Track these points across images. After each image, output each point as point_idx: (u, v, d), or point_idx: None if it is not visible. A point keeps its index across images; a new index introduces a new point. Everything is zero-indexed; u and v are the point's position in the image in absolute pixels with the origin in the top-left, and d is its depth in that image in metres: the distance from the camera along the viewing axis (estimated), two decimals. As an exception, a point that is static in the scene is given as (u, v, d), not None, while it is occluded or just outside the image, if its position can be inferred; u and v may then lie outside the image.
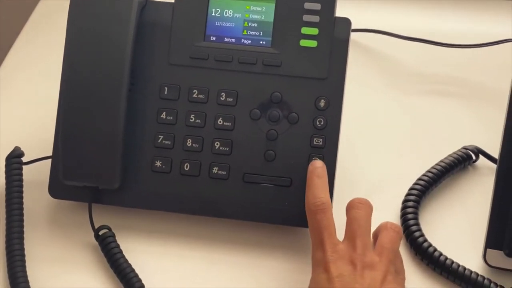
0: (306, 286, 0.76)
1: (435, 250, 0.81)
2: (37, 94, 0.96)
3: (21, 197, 0.83)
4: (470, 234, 0.84)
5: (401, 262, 0.78)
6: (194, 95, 0.84)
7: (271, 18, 0.84)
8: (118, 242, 0.81)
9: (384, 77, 0.99)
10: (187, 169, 0.83)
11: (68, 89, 0.82)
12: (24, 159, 0.85)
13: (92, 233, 0.82)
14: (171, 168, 0.83)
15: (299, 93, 0.83)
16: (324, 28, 0.83)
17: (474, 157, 0.90)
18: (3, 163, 0.85)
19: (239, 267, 0.82)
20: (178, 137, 0.83)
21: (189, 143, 0.83)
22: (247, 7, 0.84)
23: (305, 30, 0.83)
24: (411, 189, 0.86)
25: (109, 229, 0.82)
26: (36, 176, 0.86)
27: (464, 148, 0.90)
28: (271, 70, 0.83)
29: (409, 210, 0.84)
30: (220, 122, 0.83)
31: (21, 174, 0.84)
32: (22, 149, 0.85)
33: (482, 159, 0.90)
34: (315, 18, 0.83)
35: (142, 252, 0.82)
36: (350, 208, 0.77)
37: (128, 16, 0.82)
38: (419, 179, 0.87)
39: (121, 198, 0.83)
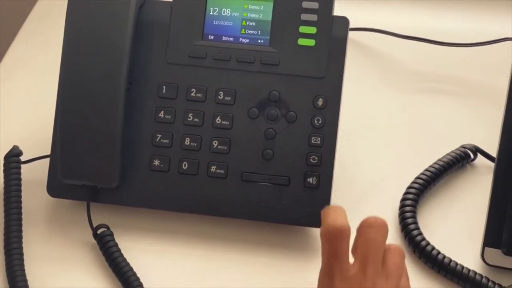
0: (305, 284, 0.76)
1: (433, 248, 0.81)
2: (36, 93, 0.96)
3: (20, 196, 0.83)
4: (468, 232, 0.84)
5: (407, 279, 0.71)
6: (192, 94, 0.84)
7: (269, 17, 0.84)
8: (117, 240, 0.81)
9: (382, 75, 1.00)
10: (185, 168, 0.83)
11: (66, 88, 0.82)
12: (23, 158, 0.85)
13: (91, 232, 0.82)
14: (169, 167, 0.83)
15: (297, 92, 0.83)
16: (322, 27, 0.83)
17: (472, 155, 0.90)
18: (2, 162, 0.85)
19: (237, 265, 0.82)
20: (176, 136, 0.83)
21: (187, 142, 0.83)
22: (245, 6, 0.84)
23: (303, 29, 0.83)
24: (409, 187, 0.86)
25: (108, 228, 0.82)
26: (35, 175, 0.86)
27: (462, 146, 0.90)
28: (269, 69, 0.83)
29: (407, 208, 0.84)
30: (218, 121, 0.83)
31: (19, 173, 0.84)
32: (20, 148, 0.85)
33: (480, 157, 0.90)
34: (313, 17, 0.83)
35: (140, 251, 0.82)
36: (368, 227, 0.68)
37: (126, 15, 0.82)
38: (417, 177, 0.87)
39: (119, 197, 0.83)
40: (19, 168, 0.84)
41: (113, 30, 0.81)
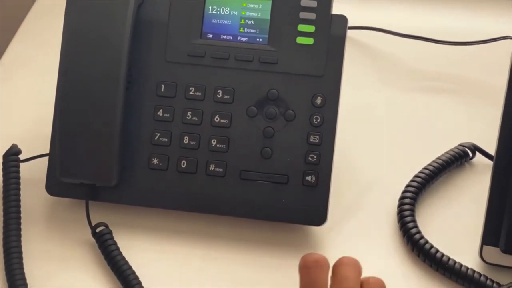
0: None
1: (432, 247, 0.81)
2: (34, 92, 0.96)
3: (19, 195, 0.83)
4: (467, 230, 0.84)
5: None
6: (191, 93, 0.84)
7: (267, 16, 0.84)
8: (115, 239, 0.81)
9: (381, 74, 1.00)
10: (184, 166, 0.83)
11: (65, 87, 0.82)
12: (21, 157, 0.85)
13: (90, 230, 0.82)
14: (168, 165, 0.83)
15: (295, 90, 0.83)
16: (320, 26, 0.83)
17: (470, 154, 0.90)
18: (0, 160, 0.85)
19: (236, 264, 0.82)
20: (175, 134, 0.83)
21: (186, 141, 0.83)
22: (244, 5, 0.84)
23: (301, 28, 0.84)
24: (407, 186, 0.86)
25: (106, 226, 0.82)
26: (34, 174, 0.86)
27: (461, 145, 0.90)
28: (268, 68, 0.83)
29: (406, 207, 0.84)
30: (217, 119, 0.83)
31: (18, 172, 0.84)
32: (19, 146, 0.85)
33: (478, 156, 0.90)
34: (312, 16, 0.83)
35: (139, 249, 0.82)
36: (340, 265, 0.71)
37: (124, 14, 0.82)
38: (416, 176, 0.87)
39: (118, 195, 0.83)
40: (18, 166, 0.84)
41: (111, 29, 0.81)
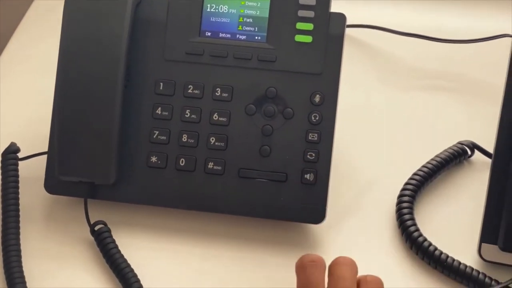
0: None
1: (430, 244, 0.81)
2: (33, 90, 0.96)
3: (17, 193, 0.83)
4: (465, 228, 0.84)
5: None
6: (190, 91, 0.84)
7: (266, 14, 0.84)
8: (114, 237, 0.81)
9: (380, 72, 1.00)
10: (183, 164, 0.83)
11: (63, 85, 0.82)
12: (20, 155, 0.85)
13: (88, 229, 0.82)
14: (167, 163, 0.83)
15: (294, 88, 0.83)
16: (319, 24, 0.83)
17: (469, 152, 0.90)
18: (-1, 159, 0.85)
19: (234, 262, 0.82)
20: (173, 132, 0.83)
21: (184, 139, 0.83)
22: (242, 3, 0.84)
23: (300, 26, 0.84)
24: (406, 184, 0.86)
25: (105, 224, 0.82)
26: (32, 172, 0.86)
27: (460, 143, 0.90)
28: (266, 66, 0.83)
29: (405, 205, 0.84)
30: (215, 117, 0.83)
31: (17, 170, 0.84)
32: (18, 145, 0.85)
33: (477, 154, 0.90)
34: (310, 14, 0.83)
35: (137, 247, 0.82)
36: (336, 265, 0.72)
37: (123, 13, 0.82)
38: (415, 174, 0.87)
39: (116, 194, 0.83)
40: (17, 165, 0.84)
41: (110, 27, 0.81)
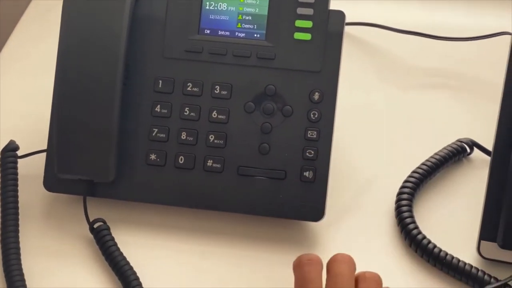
0: (300, 278, 0.76)
1: (429, 242, 0.81)
2: (32, 88, 0.96)
3: (16, 191, 0.83)
4: (464, 226, 0.84)
5: None
6: (189, 88, 0.84)
7: (265, 11, 0.84)
8: (113, 235, 0.81)
9: (379, 70, 1.00)
10: (182, 162, 0.83)
11: (62, 84, 0.82)
12: (19, 153, 0.85)
13: (87, 226, 0.82)
14: (166, 161, 0.83)
15: (293, 86, 0.83)
16: (318, 21, 0.83)
17: (468, 149, 0.90)
18: (-2, 156, 0.85)
19: (233, 259, 0.82)
20: (172, 130, 0.83)
21: (183, 136, 0.83)
22: (241, 0, 0.84)
23: (299, 23, 0.83)
24: (405, 181, 0.86)
25: (104, 222, 0.82)
26: (31, 170, 0.86)
27: (459, 140, 0.90)
28: (265, 63, 0.83)
29: (404, 202, 0.84)
30: (214, 115, 0.83)
31: (16, 168, 0.84)
32: (17, 142, 0.85)
33: (476, 151, 0.90)
34: (309, 11, 0.83)
35: (137, 245, 0.82)
36: (334, 262, 0.73)
37: (122, 10, 0.82)
38: (414, 171, 0.87)
39: (115, 191, 0.83)
40: (16, 162, 0.84)
41: (109, 24, 0.81)
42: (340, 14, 0.84)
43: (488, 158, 0.83)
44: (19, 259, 0.79)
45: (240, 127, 0.83)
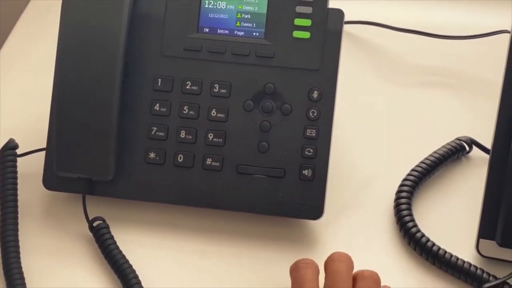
0: (299, 276, 0.76)
1: (428, 240, 0.81)
2: (31, 87, 0.96)
3: (16, 189, 0.83)
4: (463, 224, 0.84)
5: None
6: (188, 87, 0.84)
7: (264, 10, 0.84)
8: (112, 233, 0.81)
9: (378, 68, 1.00)
10: (181, 160, 0.83)
11: (61, 81, 0.82)
12: (19, 151, 0.85)
13: (86, 225, 0.82)
14: (165, 159, 0.83)
15: (292, 84, 0.83)
16: (317, 20, 0.83)
17: (467, 148, 0.90)
18: (-2, 155, 0.85)
19: (232, 257, 0.82)
20: (171, 128, 0.83)
21: (182, 135, 0.83)
22: (240, -1, 0.85)
23: (298, 22, 0.84)
24: (404, 180, 0.86)
25: (103, 220, 0.82)
26: (31, 168, 0.86)
27: (458, 139, 0.90)
28: (264, 62, 0.83)
29: (403, 200, 0.84)
30: (213, 113, 0.83)
31: (15, 166, 0.84)
32: (16, 141, 0.85)
33: (475, 150, 0.90)
34: (308, 10, 0.83)
35: (136, 243, 0.82)
36: (331, 260, 0.74)
37: (121, 9, 0.82)
38: (413, 170, 0.87)
39: (115, 190, 0.83)
40: (15, 161, 0.84)
41: (108, 23, 0.81)
42: (339, 13, 0.84)
43: (487, 156, 0.84)
44: (18, 258, 0.79)
45: (239, 125, 0.83)
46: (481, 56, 1.00)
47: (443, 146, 0.89)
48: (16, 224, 0.81)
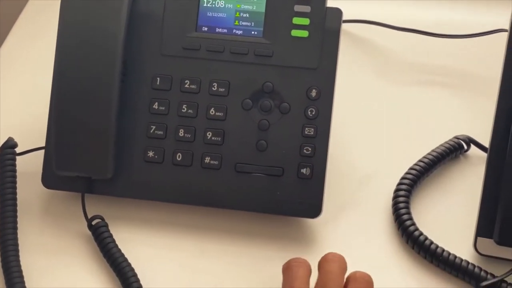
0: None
1: (426, 238, 0.81)
2: (30, 86, 0.96)
3: (15, 188, 0.83)
4: (461, 222, 0.84)
5: None
6: (186, 86, 0.84)
7: (262, 9, 0.84)
8: (111, 231, 0.81)
9: (376, 67, 1.00)
10: (180, 159, 0.83)
11: (60, 80, 0.82)
12: (18, 150, 0.85)
13: (85, 223, 0.82)
14: (164, 158, 0.83)
15: (290, 83, 0.83)
16: (315, 18, 0.84)
17: (465, 146, 0.90)
18: (-3, 154, 0.85)
19: (231, 256, 0.82)
20: (170, 127, 0.83)
21: (181, 133, 0.83)
22: (239, -2, 0.85)
23: (296, 20, 0.84)
24: (402, 178, 0.86)
25: (102, 219, 0.82)
26: (30, 167, 0.86)
27: (456, 137, 0.90)
28: (263, 60, 0.83)
29: (401, 199, 0.84)
30: (212, 112, 0.83)
31: (14, 165, 0.84)
32: (15, 140, 0.85)
33: (473, 148, 0.90)
34: (307, 8, 0.84)
35: (134, 242, 0.82)
36: (324, 261, 0.75)
37: (120, 8, 0.82)
38: (411, 168, 0.87)
39: (113, 188, 0.83)
40: (14, 159, 0.84)
41: (107, 22, 0.82)
42: (337, 11, 0.84)
43: (484, 155, 0.84)
44: (17, 256, 0.80)
45: (238, 124, 0.83)
46: (479, 54, 1.00)
47: (441, 145, 0.89)
48: (15, 222, 0.81)
